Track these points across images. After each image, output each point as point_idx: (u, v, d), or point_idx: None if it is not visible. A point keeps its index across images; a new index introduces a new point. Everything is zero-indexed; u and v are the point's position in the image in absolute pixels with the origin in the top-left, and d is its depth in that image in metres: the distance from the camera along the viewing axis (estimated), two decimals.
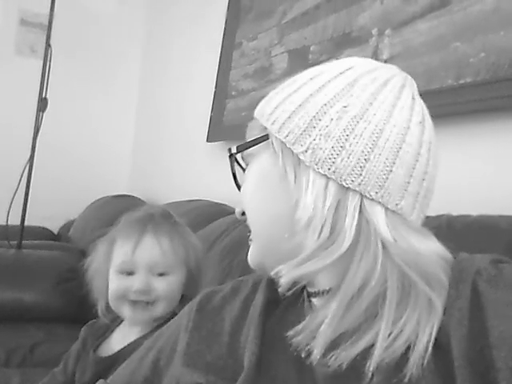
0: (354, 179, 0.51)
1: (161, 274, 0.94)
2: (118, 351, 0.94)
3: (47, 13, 2.13)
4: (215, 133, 2.06)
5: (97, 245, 1.02)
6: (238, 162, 0.63)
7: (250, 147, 0.60)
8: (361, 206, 0.52)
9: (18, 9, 2.70)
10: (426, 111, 0.57)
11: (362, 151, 0.51)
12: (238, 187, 0.63)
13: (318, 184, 0.52)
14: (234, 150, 0.61)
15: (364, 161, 0.51)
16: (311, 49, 1.58)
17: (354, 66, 0.57)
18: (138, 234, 0.94)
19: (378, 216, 0.51)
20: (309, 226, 0.52)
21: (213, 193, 1.81)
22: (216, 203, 1.75)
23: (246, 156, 0.62)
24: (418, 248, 0.51)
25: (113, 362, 0.89)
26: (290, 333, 0.54)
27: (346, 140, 0.52)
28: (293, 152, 0.54)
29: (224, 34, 2.09)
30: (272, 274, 0.55)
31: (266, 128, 0.58)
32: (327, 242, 0.51)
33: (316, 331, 0.52)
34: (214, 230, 1.42)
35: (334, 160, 0.52)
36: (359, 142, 0.52)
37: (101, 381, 0.71)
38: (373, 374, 0.49)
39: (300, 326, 0.53)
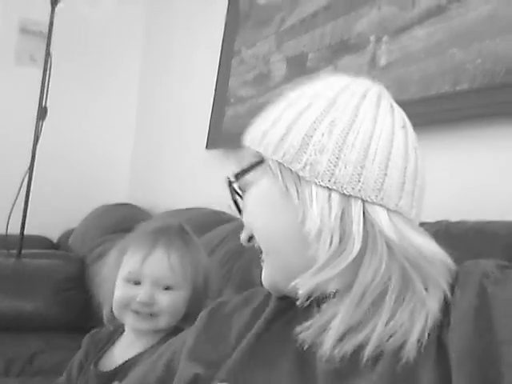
0: (353, 186, 0.54)
1: (166, 288, 0.94)
2: (120, 365, 0.93)
3: (47, 21, 2.14)
4: (214, 140, 2.06)
5: (109, 250, 1.02)
6: (235, 191, 0.65)
7: (247, 172, 0.62)
8: (364, 210, 0.55)
9: (18, 17, 2.72)
10: (405, 116, 0.61)
11: (357, 159, 0.55)
12: (240, 212, 0.65)
13: (322, 196, 0.55)
14: (232, 178, 0.63)
15: (360, 168, 0.55)
16: (309, 56, 1.59)
17: (328, 86, 0.60)
18: (149, 247, 0.95)
19: (382, 217, 0.54)
20: (319, 237, 0.55)
21: (212, 200, 1.81)
22: (215, 211, 1.75)
23: (243, 185, 0.64)
24: (420, 246, 0.54)
25: (114, 377, 0.89)
26: (298, 328, 0.56)
27: (340, 151, 0.55)
28: (291, 170, 0.57)
29: (223, 41, 2.10)
30: (289, 288, 0.57)
31: (259, 154, 0.60)
32: (338, 250, 0.54)
33: (325, 326, 0.54)
34: (213, 238, 1.42)
35: (332, 171, 0.55)
36: (352, 151, 0.55)
37: (115, 383, 0.71)
38: (371, 368, 0.51)
39: (309, 323, 0.55)
